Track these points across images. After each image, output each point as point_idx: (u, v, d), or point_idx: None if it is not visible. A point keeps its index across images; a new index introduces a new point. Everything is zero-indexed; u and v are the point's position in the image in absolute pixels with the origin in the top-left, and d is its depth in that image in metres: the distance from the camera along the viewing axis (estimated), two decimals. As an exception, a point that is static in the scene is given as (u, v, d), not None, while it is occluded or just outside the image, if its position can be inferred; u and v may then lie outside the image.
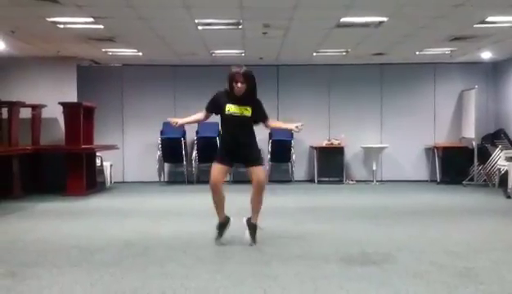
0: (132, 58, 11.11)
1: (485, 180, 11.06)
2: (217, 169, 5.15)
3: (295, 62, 11.79)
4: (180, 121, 5.43)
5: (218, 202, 5.23)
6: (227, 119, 5.18)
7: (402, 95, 12.21)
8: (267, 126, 5.43)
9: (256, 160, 5.22)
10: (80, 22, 7.82)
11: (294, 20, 7.68)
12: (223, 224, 5.28)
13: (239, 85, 5.07)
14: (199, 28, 8.16)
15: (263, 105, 5.29)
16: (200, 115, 5.39)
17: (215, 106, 5.24)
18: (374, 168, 11.73)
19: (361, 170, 12.17)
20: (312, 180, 11.93)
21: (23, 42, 9.16)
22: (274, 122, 5.58)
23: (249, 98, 5.16)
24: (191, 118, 5.49)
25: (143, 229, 6.23)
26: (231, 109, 5.13)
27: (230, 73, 5.13)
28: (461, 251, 5.00)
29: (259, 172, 5.16)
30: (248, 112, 5.14)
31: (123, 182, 11.91)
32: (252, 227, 5.22)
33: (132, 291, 3.72)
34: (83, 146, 9.84)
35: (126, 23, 7.90)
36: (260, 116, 5.26)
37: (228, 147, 5.21)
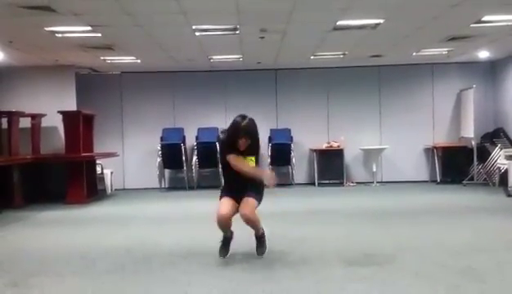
0: (131, 65, 11.13)
1: (485, 179, 11.07)
2: (225, 201, 4.80)
3: (293, 66, 11.81)
4: (270, 174, 4.94)
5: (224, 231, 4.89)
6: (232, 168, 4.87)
7: (401, 96, 12.21)
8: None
9: (251, 190, 4.81)
10: (78, 31, 7.82)
11: (291, 24, 7.70)
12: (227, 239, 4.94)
13: (243, 140, 4.79)
14: (197, 34, 8.18)
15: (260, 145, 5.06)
16: (241, 159, 4.83)
17: (230, 150, 4.87)
18: (374, 170, 11.74)
19: (361, 172, 12.16)
20: (312, 183, 11.92)
21: (21, 51, 9.17)
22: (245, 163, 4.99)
23: (252, 148, 4.91)
24: (248, 167, 4.84)
25: (144, 236, 6.24)
26: None
27: (234, 126, 4.82)
28: (463, 250, 5.01)
29: (246, 205, 4.73)
30: (252, 162, 4.94)
31: (124, 189, 11.90)
32: (258, 240, 5.00)
33: (135, 298, 3.74)
34: (83, 154, 9.84)
35: (124, 31, 7.91)
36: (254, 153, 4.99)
37: (233, 187, 4.89)
